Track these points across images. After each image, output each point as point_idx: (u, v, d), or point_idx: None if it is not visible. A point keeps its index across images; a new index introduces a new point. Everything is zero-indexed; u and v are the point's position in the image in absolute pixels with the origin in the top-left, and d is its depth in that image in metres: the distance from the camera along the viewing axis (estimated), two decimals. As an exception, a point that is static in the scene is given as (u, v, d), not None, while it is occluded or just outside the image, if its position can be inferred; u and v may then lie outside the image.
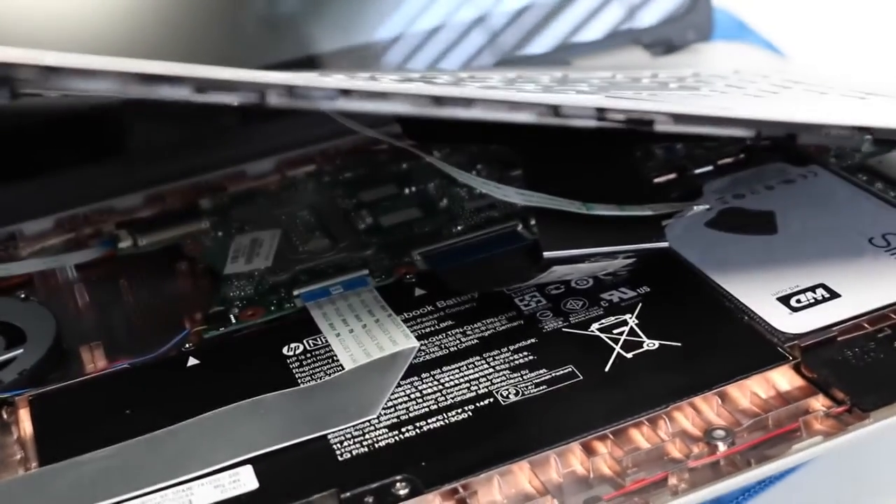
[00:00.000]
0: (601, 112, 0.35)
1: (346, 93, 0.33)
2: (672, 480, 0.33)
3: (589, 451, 0.35)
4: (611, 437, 0.35)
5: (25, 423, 0.38)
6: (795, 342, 0.38)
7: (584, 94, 0.42)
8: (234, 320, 0.43)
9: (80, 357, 0.42)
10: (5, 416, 0.39)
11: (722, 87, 0.49)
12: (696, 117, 0.36)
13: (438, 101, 0.34)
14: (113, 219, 0.54)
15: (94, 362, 0.42)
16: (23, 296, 0.47)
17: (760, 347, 0.38)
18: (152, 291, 0.48)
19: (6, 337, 0.43)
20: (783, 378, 0.37)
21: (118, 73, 0.30)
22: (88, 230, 0.53)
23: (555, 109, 0.35)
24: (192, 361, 0.41)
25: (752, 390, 0.37)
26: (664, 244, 0.39)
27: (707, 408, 0.36)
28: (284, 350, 0.41)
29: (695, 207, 0.39)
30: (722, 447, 0.34)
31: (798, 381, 0.37)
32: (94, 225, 0.54)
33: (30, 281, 0.49)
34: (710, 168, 0.52)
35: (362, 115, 0.43)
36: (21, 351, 0.42)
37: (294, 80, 0.32)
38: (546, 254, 0.38)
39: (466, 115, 0.34)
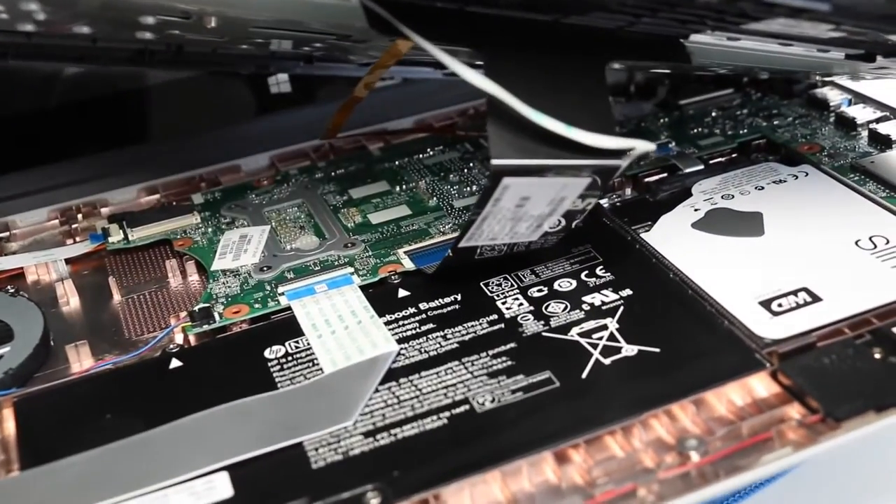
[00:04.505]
0: None
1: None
2: (641, 492, 0.33)
3: (562, 459, 0.35)
4: (584, 445, 0.35)
5: (9, 424, 0.39)
6: (774, 348, 0.38)
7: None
8: (218, 318, 0.43)
9: (65, 355, 0.43)
10: (-11, 416, 0.39)
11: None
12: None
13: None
14: (107, 212, 0.55)
15: (80, 361, 0.42)
16: (11, 290, 0.47)
17: (739, 354, 0.38)
18: (140, 287, 0.48)
19: (-6, 334, 0.44)
20: (760, 384, 0.37)
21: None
22: (82, 223, 0.54)
23: None
24: (174, 363, 0.41)
25: (729, 397, 0.37)
26: (618, 162, 0.38)
27: (683, 415, 0.36)
28: (266, 353, 0.41)
29: (637, 147, 0.37)
30: (694, 457, 0.34)
31: (774, 389, 0.37)
32: (87, 217, 0.54)
33: (20, 274, 0.50)
34: (700, 167, 0.52)
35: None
36: (8, 349, 0.42)
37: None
38: (495, 161, 0.36)
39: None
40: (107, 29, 0.42)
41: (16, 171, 0.58)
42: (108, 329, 0.45)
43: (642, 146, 0.37)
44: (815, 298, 0.41)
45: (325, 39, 0.47)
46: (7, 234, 0.53)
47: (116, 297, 0.47)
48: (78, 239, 0.52)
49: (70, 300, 0.47)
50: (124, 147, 0.60)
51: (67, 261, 0.50)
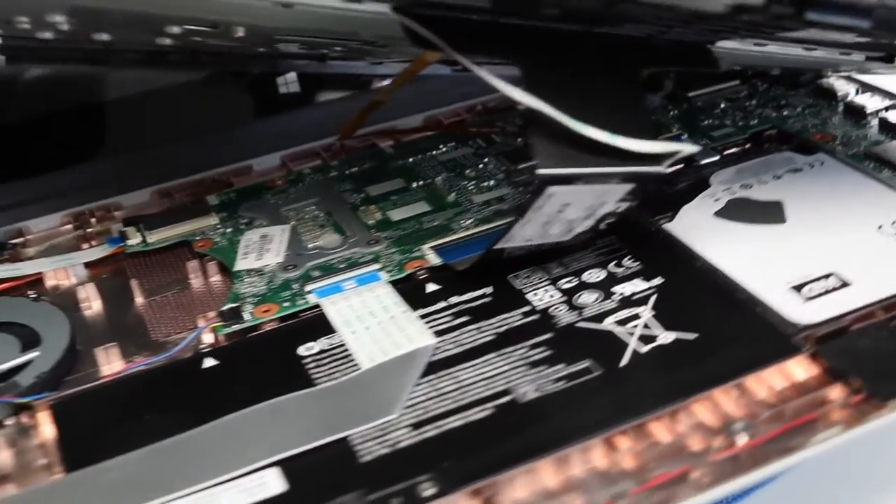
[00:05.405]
0: None
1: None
2: (694, 475, 0.33)
3: (610, 446, 0.35)
4: (631, 432, 0.35)
5: (47, 428, 0.38)
6: (809, 332, 0.39)
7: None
8: (247, 317, 0.43)
9: (94, 358, 0.42)
10: (25, 420, 0.39)
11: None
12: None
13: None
14: (121, 215, 0.54)
15: (110, 363, 0.42)
16: (34, 296, 0.47)
17: (775, 338, 0.39)
18: (162, 289, 0.48)
19: (21, 339, 0.43)
20: (799, 368, 0.38)
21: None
22: (97, 227, 0.53)
23: None
24: (209, 362, 0.40)
25: (769, 382, 0.37)
26: (661, 169, 0.38)
27: (725, 400, 0.36)
28: (300, 350, 0.41)
29: (684, 149, 0.38)
30: (742, 439, 0.34)
31: (813, 372, 0.37)
32: (102, 221, 0.54)
33: (39, 280, 0.49)
34: (715, 158, 0.52)
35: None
36: (37, 354, 0.42)
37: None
38: (541, 171, 0.37)
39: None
40: (128, 37, 0.42)
41: (26, 178, 0.57)
42: (134, 331, 0.45)
43: (687, 149, 0.38)
44: (844, 283, 0.41)
45: (348, 44, 0.47)
46: (22, 239, 0.53)
47: (139, 299, 0.47)
48: (94, 243, 0.52)
49: (93, 304, 0.47)
50: (132, 151, 0.59)
51: (86, 265, 0.50)
